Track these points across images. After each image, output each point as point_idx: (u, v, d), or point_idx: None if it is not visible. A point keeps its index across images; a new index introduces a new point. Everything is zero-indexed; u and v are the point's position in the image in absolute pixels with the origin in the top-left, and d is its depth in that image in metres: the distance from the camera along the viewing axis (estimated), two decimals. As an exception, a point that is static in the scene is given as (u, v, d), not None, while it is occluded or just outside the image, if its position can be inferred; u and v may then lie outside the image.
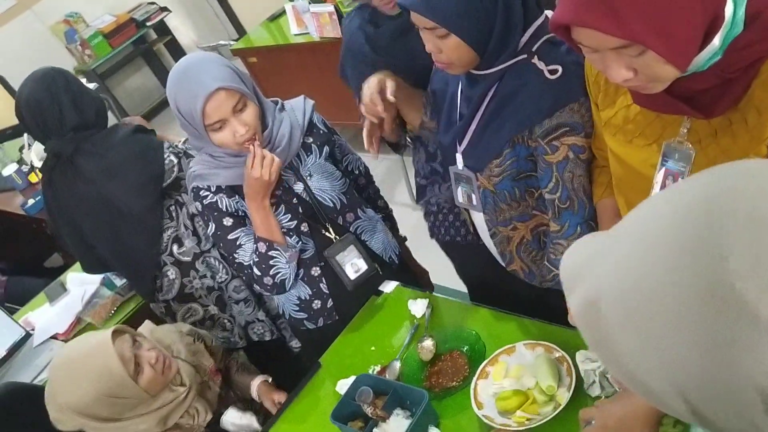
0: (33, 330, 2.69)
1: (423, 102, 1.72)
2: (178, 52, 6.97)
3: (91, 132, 2.11)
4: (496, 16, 1.34)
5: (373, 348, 1.84)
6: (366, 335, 1.89)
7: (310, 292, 1.92)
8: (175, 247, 2.18)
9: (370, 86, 1.63)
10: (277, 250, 1.78)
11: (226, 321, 2.30)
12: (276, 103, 1.85)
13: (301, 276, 1.90)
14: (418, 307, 1.86)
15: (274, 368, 2.15)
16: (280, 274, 1.82)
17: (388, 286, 1.99)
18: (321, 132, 1.89)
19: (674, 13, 0.91)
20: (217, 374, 1.96)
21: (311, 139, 1.86)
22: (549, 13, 1.41)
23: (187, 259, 2.19)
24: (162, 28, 6.78)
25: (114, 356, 1.62)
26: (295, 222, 1.83)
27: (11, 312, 2.80)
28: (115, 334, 1.68)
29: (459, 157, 1.58)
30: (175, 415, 1.77)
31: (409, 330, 1.82)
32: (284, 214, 1.81)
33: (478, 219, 1.68)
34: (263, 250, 1.78)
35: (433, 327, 1.79)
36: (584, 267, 0.59)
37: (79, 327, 2.66)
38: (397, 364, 1.71)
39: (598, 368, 1.39)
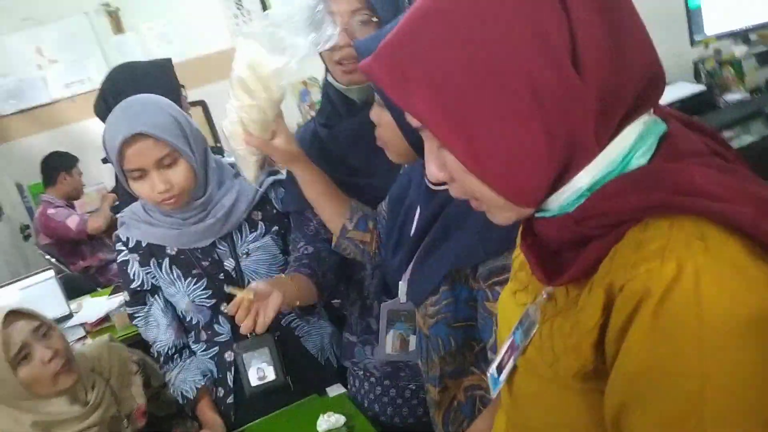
0: (76, 312, 2.88)
1: (352, 207, 1.47)
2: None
3: None
4: None
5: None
6: (274, 430, 1.69)
7: (216, 377, 1.74)
8: None
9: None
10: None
11: None
12: (233, 167, 1.68)
13: (212, 355, 1.73)
14: (328, 422, 1.63)
15: None
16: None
17: (334, 390, 1.74)
18: (274, 212, 1.72)
19: (483, 109, 0.66)
20: (142, 418, 1.74)
21: (260, 215, 1.70)
22: None
23: None
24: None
25: None
26: (214, 300, 1.66)
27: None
28: (16, 315, 1.53)
29: (402, 286, 1.29)
30: (60, 431, 1.56)
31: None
32: (204, 289, 1.65)
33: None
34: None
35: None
36: None
37: (105, 324, 2.71)
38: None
39: None
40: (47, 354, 1.52)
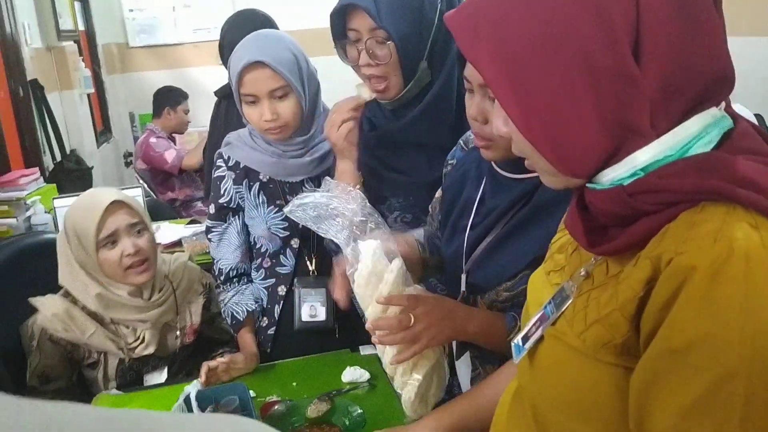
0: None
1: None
2: None
3: None
4: None
5: (294, 384, 1.70)
6: (302, 370, 1.76)
7: (265, 305, 1.83)
8: None
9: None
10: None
11: None
12: None
13: (267, 285, 1.82)
14: (353, 375, 1.70)
15: None
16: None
17: (367, 349, 1.79)
18: None
19: (541, 78, 0.68)
20: (192, 335, 1.89)
21: None
22: None
23: None
24: None
25: (96, 214, 1.65)
26: (288, 233, 1.76)
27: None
28: (121, 205, 1.70)
29: (463, 278, 1.31)
30: (117, 312, 1.73)
31: (333, 388, 1.66)
32: (282, 219, 1.74)
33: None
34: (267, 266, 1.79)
35: (351, 397, 1.61)
36: None
37: (176, 248, 2.82)
38: (282, 407, 1.56)
39: None
40: (130, 249, 1.68)
